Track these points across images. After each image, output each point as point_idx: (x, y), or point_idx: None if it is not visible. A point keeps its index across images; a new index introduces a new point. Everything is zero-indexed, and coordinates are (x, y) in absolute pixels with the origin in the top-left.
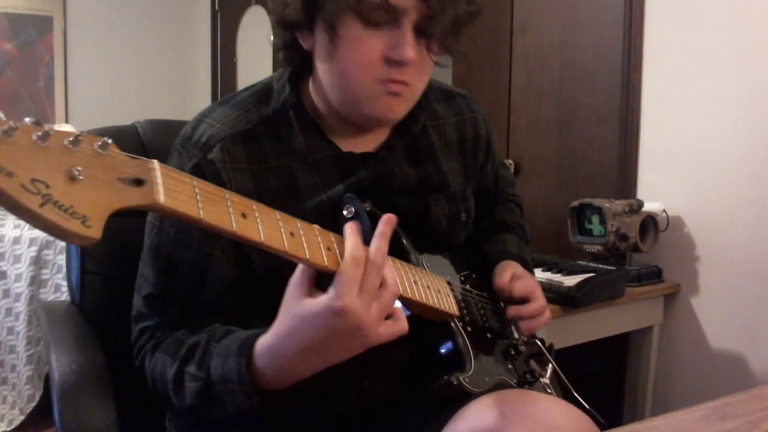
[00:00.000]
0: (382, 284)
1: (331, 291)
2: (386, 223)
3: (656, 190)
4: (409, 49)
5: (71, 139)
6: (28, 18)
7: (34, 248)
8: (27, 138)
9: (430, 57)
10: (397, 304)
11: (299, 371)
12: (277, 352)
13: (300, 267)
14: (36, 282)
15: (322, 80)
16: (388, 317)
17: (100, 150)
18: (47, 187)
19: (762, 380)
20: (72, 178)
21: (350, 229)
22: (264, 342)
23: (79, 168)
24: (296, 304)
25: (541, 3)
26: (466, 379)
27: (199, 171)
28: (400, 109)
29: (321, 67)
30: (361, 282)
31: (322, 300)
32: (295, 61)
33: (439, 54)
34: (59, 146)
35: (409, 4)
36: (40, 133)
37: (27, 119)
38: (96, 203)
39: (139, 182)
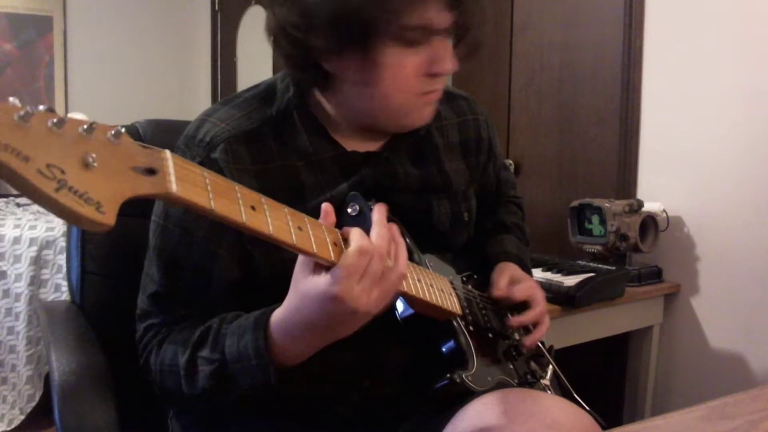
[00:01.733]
0: (387, 269)
1: (330, 276)
2: (379, 209)
3: (656, 190)
4: (453, 62)
5: (85, 127)
6: (28, 18)
7: (34, 248)
8: (42, 124)
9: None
10: (400, 302)
11: (312, 343)
12: (289, 325)
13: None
14: (36, 282)
15: (351, 101)
16: None
17: (113, 138)
18: (62, 172)
19: (762, 380)
20: (86, 165)
21: (376, 214)
22: (278, 315)
23: (94, 155)
24: (301, 282)
25: (541, 3)
26: (469, 377)
27: None
28: (432, 113)
29: (352, 90)
30: (365, 270)
31: (320, 283)
32: (309, 78)
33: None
34: (74, 133)
35: (446, 20)
36: (55, 120)
37: (41, 107)
38: (109, 190)
39: (151, 171)
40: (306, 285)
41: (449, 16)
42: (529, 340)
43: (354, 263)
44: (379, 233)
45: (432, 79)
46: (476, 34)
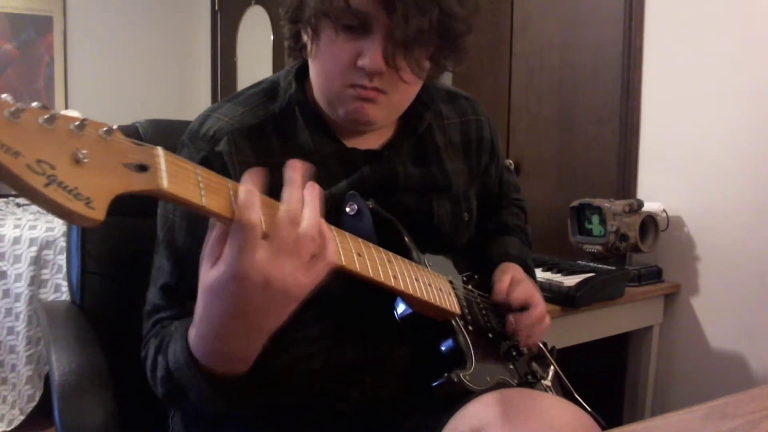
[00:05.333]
0: (299, 235)
1: (224, 256)
2: (292, 166)
3: (656, 190)
4: (375, 59)
5: (77, 123)
6: (28, 18)
7: (34, 248)
8: (34, 120)
9: (399, 69)
10: (399, 302)
11: (236, 347)
12: (202, 332)
13: (213, 235)
14: (36, 282)
15: (311, 77)
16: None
17: (105, 135)
18: (52, 168)
19: (762, 380)
20: (77, 161)
21: (243, 185)
22: (192, 322)
23: (84, 151)
24: (203, 277)
25: (541, 3)
26: (467, 377)
27: (207, 164)
28: (375, 114)
29: (309, 64)
30: (272, 235)
31: (218, 267)
32: (297, 53)
33: (418, 66)
34: (65, 130)
35: (374, 12)
36: (46, 116)
37: (34, 103)
38: (100, 186)
39: (143, 168)
40: (207, 277)
41: (381, 13)
42: (524, 337)
43: (241, 235)
44: (289, 196)
45: (359, 71)
46: (411, 41)
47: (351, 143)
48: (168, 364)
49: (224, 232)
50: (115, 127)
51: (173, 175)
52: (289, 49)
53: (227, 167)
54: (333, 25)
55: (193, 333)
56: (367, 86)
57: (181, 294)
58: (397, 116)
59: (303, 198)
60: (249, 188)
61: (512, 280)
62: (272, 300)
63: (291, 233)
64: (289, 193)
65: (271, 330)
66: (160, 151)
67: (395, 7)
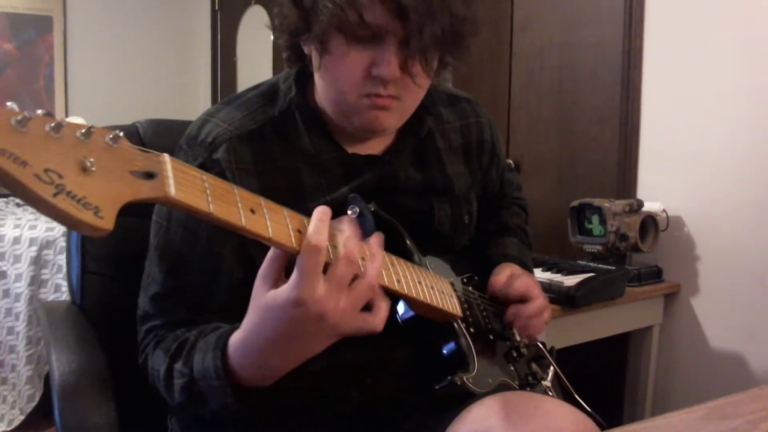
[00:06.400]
0: (359, 275)
1: (291, 280)
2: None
3: (656, 190)
4: (390, 67)
5: (83, 131)
6: (28, 18)
7: (34, 248)
8: (40, 129)
9: (413, 74)
10: (401, 304)
11: (275, 366)
12: (249, 347)
13: (268, 257)
14: (36, 282)
15: (317, 87)
16: (368, 309)
17: (111, 142)
18: (60, 177)
19: (762, 380)
20: (84, 170)
21: (316, 214)
22: (237, 336)
23: (92, 159)
24: (262, 296)
25: (541, 3)
26: (470, 380)
27: (204, 170)
28: (388, 121)
29: (315, 76)
30: (330, 271)
31: (282, 290)
32: (297, 63)
33: (431, 70)
34: (71, 138)
35: (388, 22)
36: (52, 125)
37: (39, 111)
38: (108, 195)
39: (150, 175)
40: (266, 298)
41: (393, 22)
42: (524, 328)
43: (307, 261)
44: (343, 240)
45: (374, 81)
46: (426, 48)
47: (352, 148)
48: (192, 372)
49: (279, 254)
50: (120, 134)
51: (180, 183)
52: (288, 60)
53: (225, 174)
54: (344, 38)
55: (237, 341)
56: (383, 94)
57: (173, 304)
58: (405, 120)
59: (362, 246)
60: (321, 217)
61: (511, 275)
62: (321, 331)
63: (348, 272)
64: (343, 237)
65: (310, 355)
66: (166, 158)
67: (409, 17)
